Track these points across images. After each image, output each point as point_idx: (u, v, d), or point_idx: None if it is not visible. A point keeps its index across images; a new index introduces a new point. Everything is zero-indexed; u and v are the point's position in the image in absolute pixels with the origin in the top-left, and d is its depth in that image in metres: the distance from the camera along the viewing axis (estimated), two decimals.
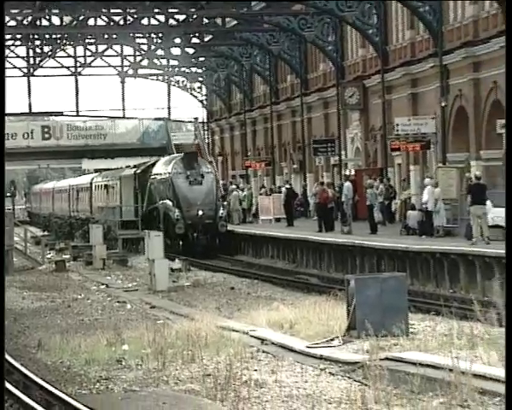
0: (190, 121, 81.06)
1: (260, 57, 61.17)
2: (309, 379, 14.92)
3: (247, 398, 13.44)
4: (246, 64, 62.68)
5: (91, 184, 61.96)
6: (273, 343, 18.06)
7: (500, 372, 12.02)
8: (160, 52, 65.46)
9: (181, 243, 44.03)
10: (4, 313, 16.48)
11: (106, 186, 57.56)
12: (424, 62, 43.01)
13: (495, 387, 12.21)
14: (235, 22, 54.47)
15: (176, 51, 64.97)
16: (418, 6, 41.28)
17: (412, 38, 45.10)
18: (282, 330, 19.44)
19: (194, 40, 60.92)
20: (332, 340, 17.55)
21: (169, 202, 45.15)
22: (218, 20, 54.20)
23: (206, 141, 77.71)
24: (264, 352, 17.46)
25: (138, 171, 51.92)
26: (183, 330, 19.05)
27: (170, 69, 71.16)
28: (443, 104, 40.84)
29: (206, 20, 53.53)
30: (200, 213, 43.94)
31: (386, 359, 14.95)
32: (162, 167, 48.25)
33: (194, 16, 51.43)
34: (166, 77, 73.11)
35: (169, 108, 76.04)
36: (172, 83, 73.74)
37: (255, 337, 18.84)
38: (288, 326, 19.65)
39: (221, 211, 45.03)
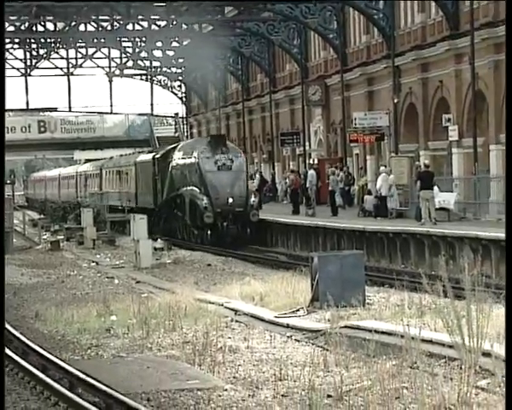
0: (171, 116, 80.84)
1: (233, 59, 61.11)
2: (277, 345, 14.94)
3: (222, 362, 13.45)
4: (220, 65, 62.61)
5: (101, 170, 57.26)
6: (245, 314, 18.06)
7: (444, 337, 12.08)
8: (143, 54, 65.22)
9: (209, 232, 36.71)
10: (4, 308, 16.27)
11: (119, 172, 51.80)
12: (378, 63, 43.06)
13: (440, 350, 12.28)
14: (211, 27, 54.31)
15: (158, 53, 64.76)
16: (373, 13, 41.33)
17: (368, 41, 45.13)
18: (253, 302, 19.44)
19: (174, 44, 60.70)
20: (297, 310, 17.58)
21: (195, 189, 37.65)
22: (196, 26, 54.05)
23: (186, 134, 77.55)
24: (237, 322, 17.46)
25: (158, 156, 44.08)
26: (165, 303, 19.01)
27: (152, 69, 70.93)
28: (395, 101, 40.91)
29: (184, 26, 53.34)
30: (231, 200, 36.55)
31: (346, 327, 14.98)
32: (187, 151, 40.28)
33: (174, 22, 51.22)
34: (149, 76, 72.85)
35: (152, 104, 75.72)
36: (155, 82, 73.48)
37: (229, 309, 18.83)
38: (259, 299, 19.65)
39: (252, 198, 37.38)
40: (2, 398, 9.09)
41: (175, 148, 43.09)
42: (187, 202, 38.08)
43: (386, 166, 36.88)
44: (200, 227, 37.06)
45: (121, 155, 57.43)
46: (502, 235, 24.69)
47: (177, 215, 39.85)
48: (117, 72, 69.57)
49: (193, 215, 37.49)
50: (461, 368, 11.15)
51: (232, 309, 18.71)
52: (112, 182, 53.95)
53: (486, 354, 11.18)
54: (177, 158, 40.72)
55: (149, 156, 45.77)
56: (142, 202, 45.99)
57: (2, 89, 44.19)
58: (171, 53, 64.23)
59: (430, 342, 12.52)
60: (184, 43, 60.60)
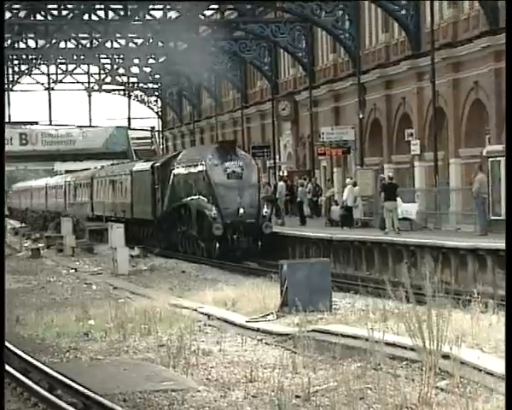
0: (147, 130, 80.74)
1: (207, 75, 61.12)
2: (248, 348, 14.93)
3: (196, 365, 13.42)
4: (195, 81, 62.66)
5: (92, 179, 53.61)
6: (218, 318, 18.02)
7: (406, 340, 12.12)
8: (121, 70, 65.11)
9: (217, 245, 32.45)
10: (4, 309, 16.15)
11: (112, 182, 47.85)
12: (345, 81, 43.22)
13: (403, 353, 12.32)
14: (186, 45, 54.35)
15: (135, 70, 64.66)
16: (339, 33, 41.50)
17: (335, 60, 45.30)
18: (225, 307, 19.40)
19: (151, 60, 60.66)
20: (268, 315, 17.56)
21: (203, 199, 33.51)
22: (171, 44, 54.08)
23: (161, 147, 77.45)
24: (210, 326, 17.43)
25: (157, 164, 40.03)
26: (141, 308, 18.95)
27: (130, 85, 70.84)
28: (360, 116, 41.06)
29: (160, 44, 53.33)
30: (241, 211, 32.34)
31: (313, 331, 14.99)
32: (192, 159, 36.18)
33: (151, 40, 51.20)
34: (127, 92, 72.77)
35: (129, 118, 75.65)
36: (132, 97, 73.43)
37: (202, 313, 18.79)
38: (231, 304, 19.62)
39: (265, 209, 33.15)
40: (2, 398, 8.98)
41: (176, 155, 39.79)
42: (193, 213, 34.09)
43: (351, 179, 37.00)
44: (208, 240, 32.87)
45: (113, 164, 55.22)
46: (460, 243, 24.84)
47: (180, 227, 36.01)
48: (96, 87, 69.48)
49: (200, 227, 33.37)
50: (422, 370, 11.19)
51: (205, 314, 18.67)
52: (104, 192, 50.38)
53: (446, 357, 11.24)
54: (181, 166, 36.97)
55: (147, 165, 42.16)
56: (138, 213, 42.35)
57: (2, 90, 43.84)
58: (147, 69, 64.16)
59: (393, 345, 12.55)
60: (160, 60, 60.56)
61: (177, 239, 36.80)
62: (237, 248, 32.14)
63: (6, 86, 64.44)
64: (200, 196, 33.66)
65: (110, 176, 49.21)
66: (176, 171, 37.22)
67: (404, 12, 37.16)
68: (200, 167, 34.11)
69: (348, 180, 36.61)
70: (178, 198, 36.22)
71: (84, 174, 58.28)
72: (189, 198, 34.75)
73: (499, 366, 10.69)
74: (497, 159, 27.53)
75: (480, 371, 10.73)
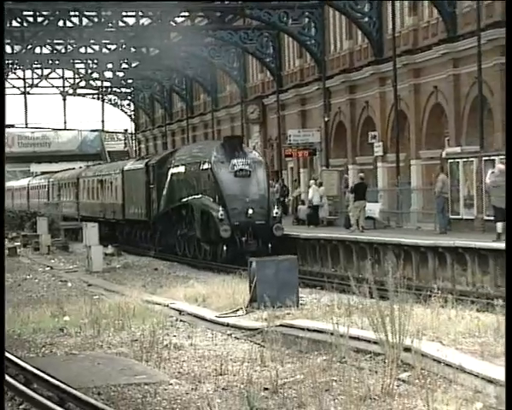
0: (121, 132, 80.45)
1: (178, 80, 61.06)
2: (218, 343, 14.92)
3: (168, 359, 13.39)
4: (166, 85, 62.57)
5: (78, 179, 50.21)
6: (189, 314, 18.01)
7: (370, 334, 12.17)
8: (95, 75, 64.84)
9: (225, 248, 28.82)
10: (5, 312, 15.99)
11: (101, 182, 44.49)
12: (311, 85, 43.32)
13: (366, 346, 12.36)
14: (158, 51, 54.18)
15: (108, 74, 64.41)
16: (305, 39, 41.59)
17: (301, 65, 45.39)
18: (196, 303, 19.38)
19: (124, 65, 60.45)
20: (237, 311, 17.57)
21: (208, 199, 29.92)
22: (144, 49, 53.91)
23: (134, 148, 77.20)
24: (181, 321, 17.40)
25: (152, 162, 36.64)
26: (115, 304, 18.88)
27: (103, 89, 70.55)
28: (326, 119, 41.16)
29: (133, 49, 53.17)
30: (250, 212, 28.85)
31: (281, 325, 15.00)
32: (194, 156, 32.70)
33: (123, 46, 51.02)
34: (101, 95, 72.46)
35: (103, 121, 75.30)
36: (106, 100, 73.11)
37: (174, 309, 18.76)
38: (202, 300, 19.61)
39: (275, 210, 29.54)
40: (2, 398, 8.87)
41: (173, 153, 36.43)
42: (197, 214, 30.39)
43: (317, 179, 37.07)
44: (214, 242, 29.31)
45: (100, 164, 52.47)
46: (421, 241, 24.98)
47: (179, 229, 32.48)
48: (70, 91, 69.09)
49: (205, 229, 29.67)
50: (384, 362, 11.24)
51: (177, 310, 18.64)
52: (91, 192, 47.01)
53: (407, 350, 11.29)
54: (180, 164, 33.48)
55: (141, 164, 38.57)
56: (130, 214, 39.05)
57: (2, 91, 43.35)
58: (120, 74, 63.95)
59: (357, 339, 12.59)
60: (133, 65, 60.36)
61: (174, 241, 33.42)
62: (246, 252, 27.67)
63: None
64: (205, 196, 30.11)
65: (98, 175, 45.81)
66: (174, 169, 33.88)
67: (366, 20, 37.31)
68: (204, 165, 30.51)
69: (312, 181, 36.65)
70: (177, 198, 32.87)
71: (69, 174, 55.61)
72: (190, 198, 31.28)
73: (457, 358, 10.76)
74: (456, 160, 27.70)
75: (440, 363, 10.80)
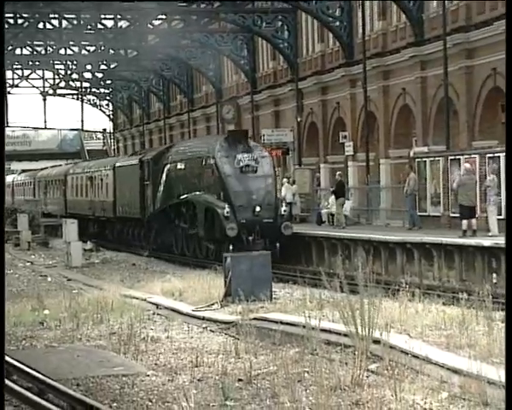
0: (99, 132, 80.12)
1: (156, 81, 60.91)
2: (194, 335, 14.90)
3: (145, 351, 13.36)
4: (144, 86, 62.41)
5: (66, 176, 47.83)
6: (166, 308, 17.97)
7: (341, 327, 12.20)
8: (74, 76, 64.51)
9: (231, 247, 25.94)
10: (5, 313, 15.86)
11: (90, 179, 42.14)
12: (284, 87, 43.36)
13: (337, 338, 12.39)
14: (136, 53, 54.01)
15: (88, 75, 64.12)
16: (278, 42, 41.64)
17: (274, 67, 45.42)
18: (173, 297, 19.36)
19: (103, 66, 60.20)
20: (212, 304, 17.56)
21: (211, 195, 27.67)
22: (122, 51, 53.71)
23: (112, 147, 76.92)
24: (158, 314, 17.36)
25: (147, 158, 34.08)
26: (94, 298, 18.81)
27: (83, 90, 70.21)
28: (298, 120, 41.24)
29: (111, 51, 52.95)
30: (258, 209, 26.68)
31: (255, 319, 15.01)
32: (195, 151, 30.20)
33: (102, 48, 50.81)
34: (80, 96, 72.11)
35: (82, 120, 75.06)
36: (85, 101, 72.79)
37: (151, 303, 18.72)
38: (178, 294, 19.59)
39: (283, 208, 27.48)
40: (2, 398, 8.80)
41: (169, 149, 33.91)
42: (199, 211, 28.08)
43: (290, 177, 37.12)
44: (218, 241, 26.83)
45: (89, 160, 50.27)
46: (390, 237, 25.09)
47: (178, 227, 30.16)
48: (50, 91, 68.73)
49: (209, 227, 27.35)
50: (354, 354, 11.28)
51: (154, 303, 18.60)
52: (80, 189, 44.71)
53: (376, 342, 11.34)
54: (179, 160, 31.14)
55: (134, 160, 36.06)
56: (122, 212, 36.75)
57: (3, 91, 42.94)
58: (99, 75, 63.68)
59: (328, 331, 12.63)
60: (111, 66, 60.14)
61: (171, 240, 31.25)
62: (253, 251, 24.31)
63: None
64: (208, 193, 27.89)
65: (87, 172, 43.33)
66: (171, 165, 31.54)
67: (338, 23, 37.42)
68: (207, 160, 28.26)
69: (285, 180, 36.72)
70: (176, 195, 30.55)
71: (56, 171, 53.34)
72: (192, 195, 28.91)
73: (424, 350, 10.82)
74: (423, 159, 27.85)
75: (407, 354, 10.86)
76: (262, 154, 28.06)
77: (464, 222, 23.19)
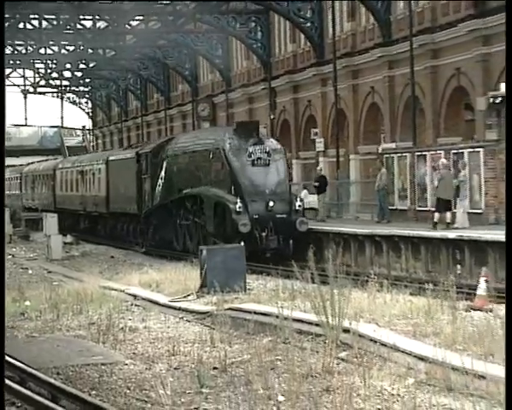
0: (79, 128, 79.69)
1: (133, 79, 60.69)
2: (171, 325, 14.87)
3: (123, 340, 13.31)
4: (122, 85, 62.17)
5: (55, 171, 45.66)
6: (143, 299, 17.91)
7: (312, 317, 12.22)
8: (54, 75, 64.11)
9: (242, 244, 21.37)
10: (4, 313, 15.70)
11: (81, 173, 39.88)
12: (257, 85, 43.36)
13: (309, 328, 12.42)
14: (114, 52, 53.76)
15: (67, 74, 63.76)
16: (252, 43, 41.63)
17: (248, 66, 45.40)
18: (150, 289, 19.29)
19: (82, 66, 59.87)
20: (188, 295, 17.52)
21: (220, 190, 25.23)
22: (100, 51, 53.44)
23: (92, 144, 76.54)
24: (136, 305, 17.30)
25: (145, 151, 31.62)
26: (74, 289, 18.72)
27: (62, 88, 69.79)
28: (271, 117, 41.25)
29: (90, 51, 52.67)
30: (271, 204, 24.43)
31: (229, 309, 15.00)
32: (201, 143, 27.56)
33: (81, 47, 50.52)
34: (60, 94, 71.68)
35: (62, 118, 74.57)
36: (65, 99, 72.37)
37: (130, 294, 18.65)
38: (155, 285, 19.52)
39: (298, 203, 25.05)
40: (2, 398, 8.71)
41: (169, 141, 31.21)
42: (207, 206, 25.73)
43: None
44: (230, 238, 23.78)
45: (78, 155, 48.01)
46: (359, 230, 25.16)
47: (181, 222, 27.93)
48: (31, 89, 68.25)
49: (219, 223, 25.04)
50: (325, 343, 11.30)
51: (132, 295, 18.53)
52: (70, 184, 42.40)
53: (346, 331, 11.37)
54: (182, 153, 28.71)
55: (130, 153, 33.61)
56: (116, 207, 34.49)
57: (3, 91, 42.40)
58: (78, 74, 63.34)
59: (300, 321, 12.64)
60: (90, 65, 59.82)
61: (172, 236, 28.88)
62: (266, 249, 24.07)
63: None
64: (217, 187, 25.48)
65: (78, 167, 40.95)
66: (173, 158, 29.17)
67: (309, 25, 37.46)
68: (215, 153, 25.77)
69: None
70: (177, 189, 28.23)
71: (44, 165, 50.88)
72: (198, 189, 26.58)
73: (392, 338, 10.87)
74: (391, 155, 27.95)
75: (376, 342, 10.90)
76: (274, 146, 25.53)
77: (436, 215, 23.28)
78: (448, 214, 23.19)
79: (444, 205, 23.23)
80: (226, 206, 24.62)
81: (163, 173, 29.69)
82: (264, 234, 24.15)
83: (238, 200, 24.24)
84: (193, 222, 27.00)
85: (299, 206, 24.94)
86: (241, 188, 24.58)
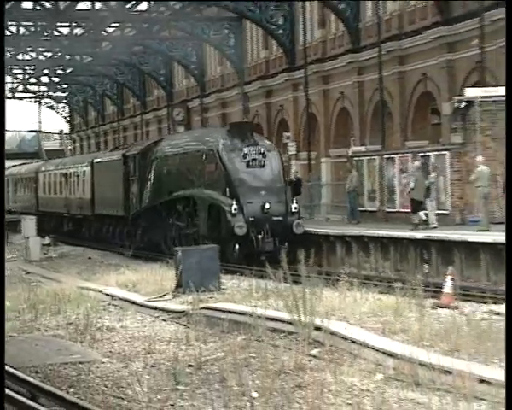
0: (57, 133, 79.25)
1: (110, 85, 60.47)
2: (147, 325, 14.83)
3: (101, 339, 13.27)
4: (99, 90, 61.90)
5: (37, 173, 44.42)
6: (120, 299, 17.86)
7: (285, 315, 12.24)
8: (32, 80, 63.74)
9: (237, 247, 23.06)
10: (5, 312, 15.54)
11: (64, 175, 38.69)
12: (231, 90, 43.37)
13: (281, 326, 12.44)
14: (91, 58, 53.52)
15: (45, 79, 63.41)
16: (226, 49, 41.64)
17: (222, 72, 45.41)
18: (127, 289, 19.23)
19: (59, 71, 59.56)
20: (164, 295, 17.50)
21: (214, 191, 24.15)
22: (77, 57, 53.19)
23: (69, 147, 76.14)
24: (113, 305, 17.25)
25: (133, 152, 30.36)
26: (52, 290, 18.62)
27: (40, 93, 69.39)
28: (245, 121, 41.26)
29: (67, 56, 52.42)
30: (267, 206, 23.40)
31: (204, 308, 14.99)
32: (192, 144, 26.63)
33: (59, 53, 50.26)
34: (37, 99, 71.28)
35: (40, 122, 74.19)
36: (42, 103, 72.00)
37: (107, 294, 18.58)
38: (132, 286, 19.47)
39: (294, 205, 24.00)
40: (2, 398, 8.63)
41: (158, 143, 29.96)
42: (201, 209, 24.71)
43: None
44: (225, 240, 22.83)
45: (60, 158, 46.98)
46: (330, 231, 25.23)
47: (172, 225, 26.65)
48: (9, 94, 67.75)
49: (213, 225, 23.96)
50: (297, 340, 11.34)
51: (109, 295, 18.47)
52: (53, 187, 41.21)
53: (318, 329, 11.41)
54: (172, 154, 27.60)
55: (116, 155, 32.27)
56: (102, 210, 33.23)
57: (3, 91, 41.91)
58: (56, 79, 63.01)
59: (273, 319, 12.66)
60: (67, 71, 59.53)
61: (161, 239, 27.69)
62: (262, 251, 22.79)
63: None
64: (210, 189, 24.44)
65: (61, 169, 39.73)
66: (162, 160, 28.09)
67: (281, 32, 37.56)
68: (208, 154, 24.81)
69: None
70: (167, 191, 27.08)
71: (26, 168, 49.28)
72: (190, 191, 25.47)
73: (362, 335, 10.92)
74: (361, 158, 28.08)
75: (347, 339, 10.94)
76: (269, 147, 24.66)
77: (415, 216, 23.38)
78: (421, 213, 23.30)
79: (418, 206, 23.38)
80: (221, 208, 23.62)
81: (152, 175, 28.70)
82: (260, 236, 23.14)
83: (234, 201, 23.27)
84: (185, 224, 25.91)
85: (296, 208, 24.02)
86: (237, 189, 23.57)
